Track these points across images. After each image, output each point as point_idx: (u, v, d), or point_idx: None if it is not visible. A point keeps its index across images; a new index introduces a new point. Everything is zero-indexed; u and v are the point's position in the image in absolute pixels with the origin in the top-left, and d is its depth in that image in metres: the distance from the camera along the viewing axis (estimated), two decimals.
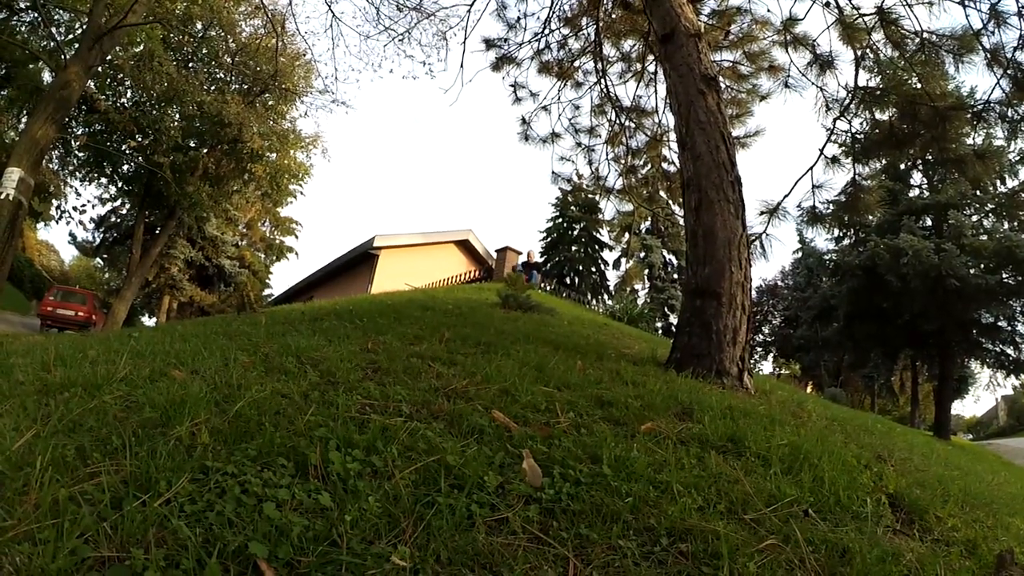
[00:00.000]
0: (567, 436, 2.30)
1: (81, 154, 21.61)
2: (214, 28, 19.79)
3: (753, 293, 5.06)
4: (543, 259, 40.71)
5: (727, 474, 2.18)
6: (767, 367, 43.55)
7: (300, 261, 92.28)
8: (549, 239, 41.15)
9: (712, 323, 4.47)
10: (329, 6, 12.63)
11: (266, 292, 41.29)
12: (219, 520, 1.41)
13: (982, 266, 20.31)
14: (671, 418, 2.84)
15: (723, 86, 7.75)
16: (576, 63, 9.92)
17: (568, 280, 38.66)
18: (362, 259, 22.30)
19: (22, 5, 18.26)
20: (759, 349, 41.45)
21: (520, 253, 20.04)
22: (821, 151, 6.58)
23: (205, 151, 20.17)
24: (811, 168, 6.49)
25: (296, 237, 44.85)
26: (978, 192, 22.30)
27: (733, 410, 3.16)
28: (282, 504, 1.50)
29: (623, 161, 10.05)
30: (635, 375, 3.82)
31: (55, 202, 26.27)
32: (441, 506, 1.59)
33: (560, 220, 40.93)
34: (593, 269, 40.60)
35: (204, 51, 20.33)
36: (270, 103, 20.22)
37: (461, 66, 11.42)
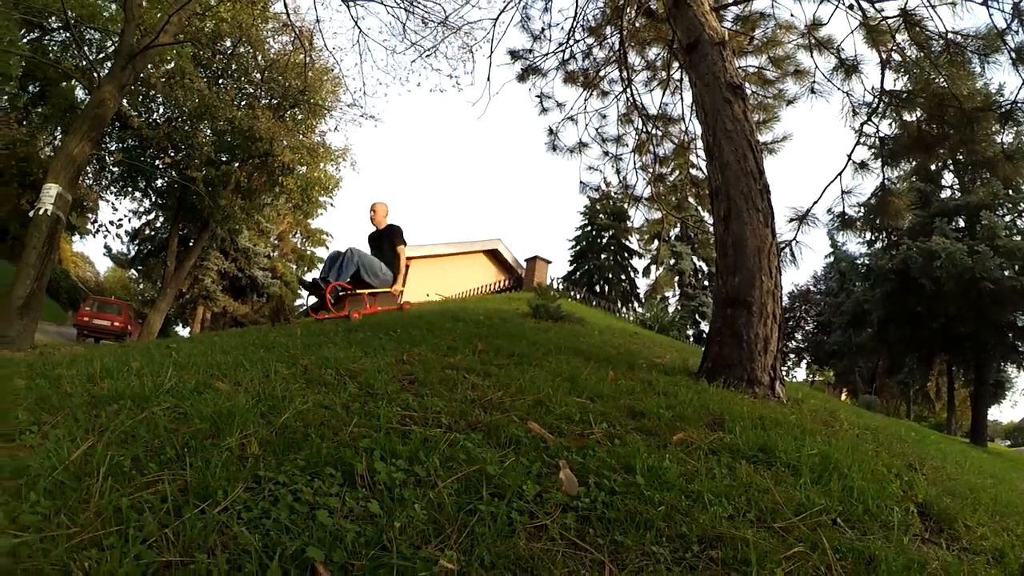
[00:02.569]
0: (601, 446, 2.36)
1: (115, 169, 22.16)
2: (243, 45, 20.17)
3: (785, 299, 5.06)
4: (572, 268, 39.98)
5: (757, 484, 2.22)
6: (800, 374, 42.91)
7: None
8: (578, 247, 41.03)
9: (743, 332, 4.49)
10: (355, 22, 12.86)
11: (298, 302, 41.94)
12: (275, 527, 1.49)
13: (1016, 267, 19.91)
14: (702, 428, 2.88)
15: (749, 92, 7.76)
16: (601, 72, 9.96)
17: (597, 288, 38.46)
18: None
19: (54, 25, 18.81)
20: (792, 356, 40.95)
21: (550, 262, 19.47)
22: (849, 156, 6.57)
23: (237, 165, 20.57)
24: (840, 174, 6.48)
25: (327, 248, 45.50)
26: (1011, 192, 21.91)
27: (764, 420, 3.19)
28: (333, 511, 1.59)
29: (651, 169, 10.06)
30: (667, 385, 3.86)
31: (91, 216, 26.93)
32: (483, 514, 1.66)
33: (589, 228, 40.77)
34: (623, 277, 40.41)
35: (234, 67, 20.75)
36: (299, 117, 20.56)
37: (488, 79, 11.55)
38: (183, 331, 40.29)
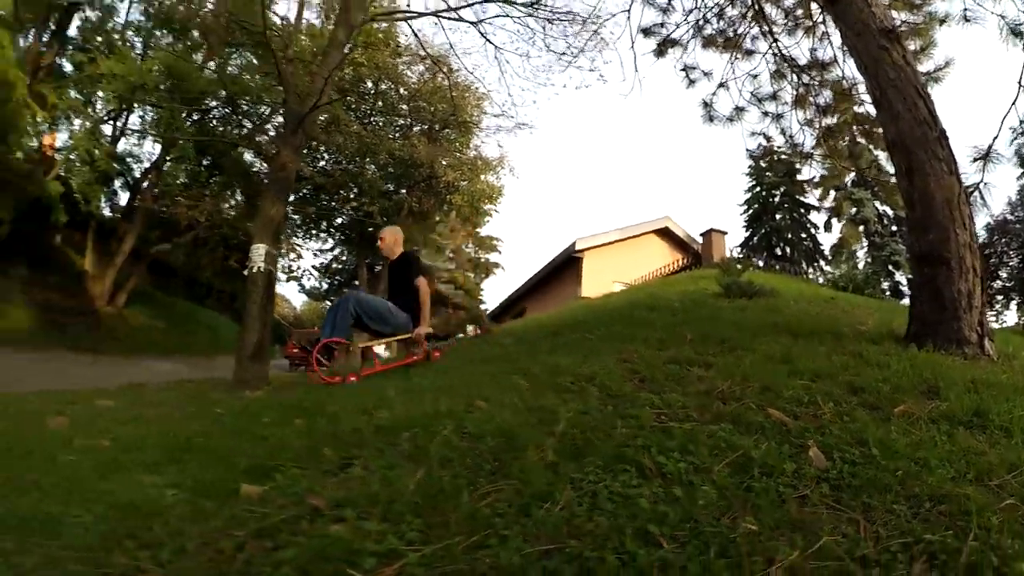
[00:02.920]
0: (833, 424, 2.69)
1: (296, 216, 24.58)
2: (383, 82, 21.64)
3: (982, 235, 4.88)
4: (748, 234, 37.63)
5: (974, 448, 2.49)
6: (1011, 317, 37.99)
7: (507, 274, 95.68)
8: (750, 211, 38.01)
9: (943, 291, 4.48)
10: (486, 38, 13.39)
11: (481, 308, 43.38)
12: (608, 515, 1.91)
13: None
14: (919, 397, 3.11)
15: (898, 20, 7.39)
16: (740, 30, 9.78)
17: (778, 251, 36.07)
18: (566, 264, 22.94)
19: (213, 104, 21.44)
20: (999, 297, 36.41)
21: (725, 233, 18.68)
22: (1020, 82, 6.17)
23: (405, 192, 22.19)
24: (1013, 103, 6.10)
25: (499, 252, 46.63)
26: None
27: (976, 383, 3.34)
28: (646, 498, 2.01)
29: (816, 123, 9.77)
30: (878, 355, 4.02)
31: (292, 264, 30.10)
32: (757, 489, 2.07)
33: (757, 188, 38.05)
34: (802, 235, 37.17)
35: (380, 104, 22.35)
36: (452, 137, 21.74)
37: (636, 69, 11.56)
38: (380, 350, 43.12)
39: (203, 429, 4.00)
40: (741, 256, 20.55)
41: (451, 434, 2.80)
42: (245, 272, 12.88)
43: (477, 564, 1.67)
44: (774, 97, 9.93)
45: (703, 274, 13.05)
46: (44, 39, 18.08)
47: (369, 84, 21.77)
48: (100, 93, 19.53)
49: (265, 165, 23.44)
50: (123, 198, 25.32)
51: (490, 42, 13.01)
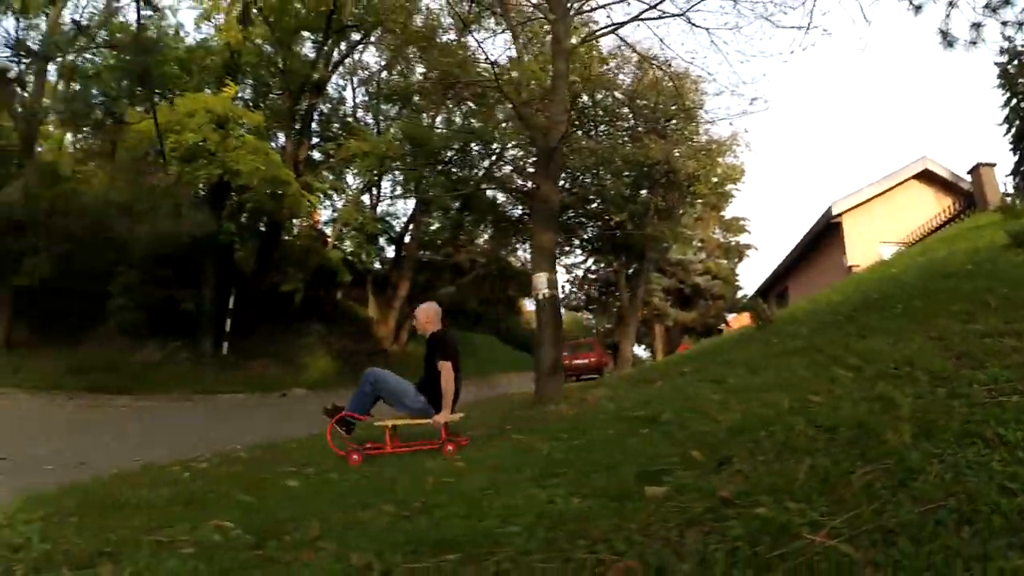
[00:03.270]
0: None
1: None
2: (597, 92, 22.59)
3: None
4: (1017, 158, 31.97)
5: None
6: None
7: (761, 254, 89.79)
8: (1013, 129, 32.77)
9: None
10: (693, 24, 13.40)
11: (739, 294, 42.75)
12: (972, 478, 2.29)
13: None
14: None
15: None
16: None
17: None
18: (825, 232, 21.46)
19: (450, 153, 24.15)
20: None
21: (994, 165, 16.49)
22: None
23: (646, 193, 22.87)
24: None
25: (748, 232, 45.14)
26: None
27: None
28: (996, 463, 2.47)
29: None
30: None
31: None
32: None
33: (1014, 100, 32.61)
34: None
35: (600, 113, 23.32)
36: (678, 127, 22.00)
37: (866, 19, 11.16)
38: (637, 349, 43.98)
39: (551, 446, 4.54)
40: (1017, 187, 17.66)
41: (806, 428, 3.17)
42: (531, 302, 14.44)
43: (884, 523, 2.06)
44: (1008, 2, 9.27)
45: (981, 221, 11.95)
46: (294, 138, 22.10)
47: (585, 98, 22.75)
48: (354, 170, 23.41)
49: (504, 196, 25.80)
50: (389, 251, 29.64)
51: (698, 26, 13.03)
